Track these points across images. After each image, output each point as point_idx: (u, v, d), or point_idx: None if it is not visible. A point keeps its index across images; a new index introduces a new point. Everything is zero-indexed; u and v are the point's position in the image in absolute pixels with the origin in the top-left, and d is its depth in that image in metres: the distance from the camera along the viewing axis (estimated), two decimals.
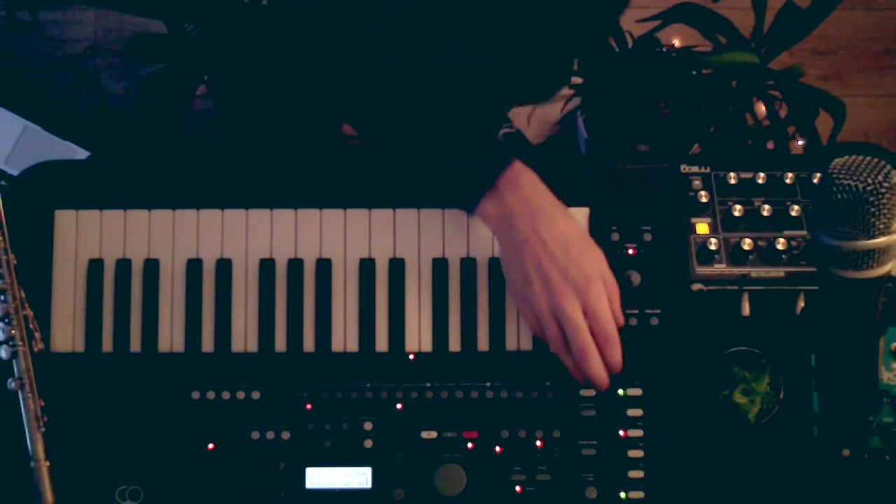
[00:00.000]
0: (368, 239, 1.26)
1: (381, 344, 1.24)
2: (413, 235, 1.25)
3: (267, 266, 1.25)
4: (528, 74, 1.41)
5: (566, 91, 1.95)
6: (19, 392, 1.14)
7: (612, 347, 1.14)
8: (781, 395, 1.21)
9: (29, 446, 1.14)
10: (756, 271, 1.22)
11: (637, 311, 1.23)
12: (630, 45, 1.88)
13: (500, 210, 1.16)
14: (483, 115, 1.16)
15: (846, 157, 1.02)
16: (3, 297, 1.15)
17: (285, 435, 1.21)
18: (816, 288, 1.18)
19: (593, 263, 1.16)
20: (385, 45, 1.19)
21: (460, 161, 1.18)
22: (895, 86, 2.33)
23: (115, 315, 1.23)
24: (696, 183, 1.26)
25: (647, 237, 1.25)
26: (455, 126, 1.18)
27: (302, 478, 1.20)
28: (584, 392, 1.21)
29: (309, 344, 1.23)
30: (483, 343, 1.23)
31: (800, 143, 1.84)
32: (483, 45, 1.30)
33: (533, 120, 2.15)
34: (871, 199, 0.99)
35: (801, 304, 1.21)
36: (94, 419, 1.20)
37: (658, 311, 1.23)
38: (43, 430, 1.15)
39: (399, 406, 1.22)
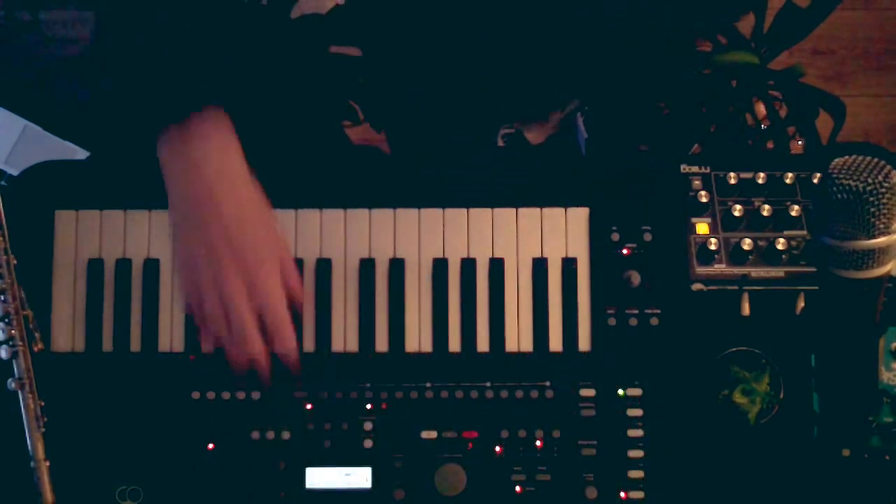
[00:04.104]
0: (368, 239, 1.26)
1: (381, 344, 1.23)
2: (413, 235, 1.25)
3: None
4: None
5: None
6: (19, 392, 1.14)
7: (282, 337, 1.06)
8: (781, 395, 1.21)
9: (29, 446, 1.14)
10: (756, 271, 1.22)
11: (637, 311, 1.23)
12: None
13: (178, 156, 1.03)
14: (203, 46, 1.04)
15: (846, 157, 1.02)
16: (3, 297, 1.15)
17: (285, 435, 1.21)
18: (816, 288, 1.18)
19: (270, 244, 1.06)
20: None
21: (163, 79, 1.02)
22: (895, 86, 2.33)
23: (115, 315, 1.23)
24: (696, 183, 1.26)
25: (647, 237, 1.25)
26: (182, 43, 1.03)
27: (302, 478, 1.20)
28: (584, 392, 1.22)
29: (309, 344, 1.23)
30: (483, 343, 1.23)
31: (800, 143, 1.83)
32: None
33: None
34: (871, 199, 0.99)
35: (801, 304, 1.21)
36: (94, 419, 1.20)
37: (658, 311, 1.23)
38: (43, 430, 1.15)
39: (399, 406, 1.22)
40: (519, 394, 1.22)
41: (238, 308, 1.04)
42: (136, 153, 1.14)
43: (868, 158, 1.01)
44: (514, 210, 1.26)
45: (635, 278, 1.24)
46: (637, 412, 1.21)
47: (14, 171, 1.98)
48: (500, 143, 2.09)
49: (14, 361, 1.15)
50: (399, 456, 1.20)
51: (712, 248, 1.22)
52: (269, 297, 1.05)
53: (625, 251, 1.25)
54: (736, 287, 1.22)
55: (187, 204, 1.04)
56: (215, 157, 1.03)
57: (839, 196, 1.00)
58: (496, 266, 1.24)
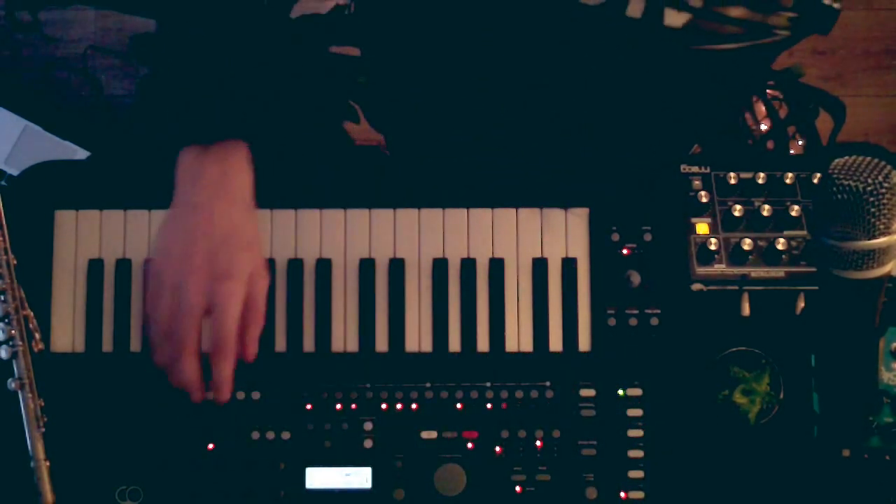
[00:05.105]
0: (368, 239, 1.26)
1: (381, 344, 1.23)
2: (413, 235, 1.25)
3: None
4: None
5: None
6: (19, 392, 1.14)
7: (221, 358, 1.07)
8: (781, 395, 1.21)
9: (29, 446, 1.14)
10: (756, 271, 1.22)
11: (637, 311, 1.23)
12: None
13: (196, 167, 1.10)
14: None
15: (846, 157, 1.02)
16: (3, 298, 1.15)
17: (285, 435, 1.21)
18: (816, 288, 1.18)
19: (246, 266, 1.08)
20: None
21: (202, 103, 1.12)
22: (895, 86, 2.33)
23: (115, 315, 1.23)
24: (696, 183, 1.26)
25: (647, 237, 1.25)
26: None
27: (302, 478, 1.20)
28: (584, 392, 1.22)
29: (309, 344, 1.23)
30: (483, 343, 1.23)
31: (800, 143, 1.83)
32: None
33: None
34: (871, 199, 0.99)
35: (801, 304, 1.21)
36: (94, 419, 1.20)
37: (658, 311, 1.23)
38: (43, 430, 1.15)
39: (399, 406, 1.22)
40: (519, 394, 1.22)
41: (188, 311, 1.06)
42: (137, 153, 1.15)
43: (868, 158, 1.01)
44: (514, 210, 1.26)
45: (635, 278, 1.24)
46: (637, 412, 1.21)
47: (14, 171, 1.98)
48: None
49: (14, 361, 1.15)
50: (399, 456, 1.20)
51: (712, 248, 1.22)
52: (221, 315, 1.06)
53: (625, 251, 1.25)
54: (736, 287, 1.22)
55: (186, 209, 1.10)
56: (227, 178, 1.10)
57: (839, 196, 1.00)
58: (496, 266, 1.24)
